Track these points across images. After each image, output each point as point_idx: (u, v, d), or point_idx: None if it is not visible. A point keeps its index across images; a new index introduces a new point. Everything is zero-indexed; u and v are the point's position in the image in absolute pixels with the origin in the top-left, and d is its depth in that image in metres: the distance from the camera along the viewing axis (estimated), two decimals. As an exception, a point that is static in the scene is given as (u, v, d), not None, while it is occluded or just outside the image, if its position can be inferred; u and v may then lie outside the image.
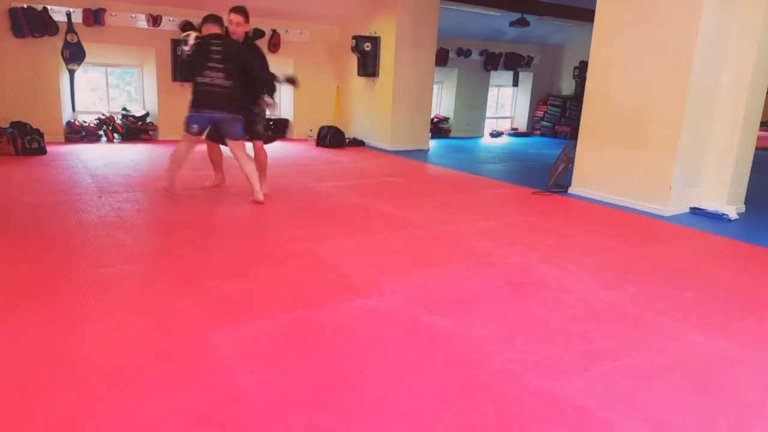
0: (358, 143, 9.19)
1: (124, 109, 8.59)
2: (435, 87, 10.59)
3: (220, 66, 4.39)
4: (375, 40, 8.71)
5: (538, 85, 12.48)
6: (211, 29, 4.50)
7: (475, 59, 11.32)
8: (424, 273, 3.16)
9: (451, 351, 2.25)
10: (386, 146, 8.82)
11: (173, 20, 8.30)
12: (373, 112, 9.12)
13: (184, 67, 8.37)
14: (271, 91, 4.80)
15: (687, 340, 2.45)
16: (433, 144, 9.61)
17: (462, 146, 9.91)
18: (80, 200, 4.54)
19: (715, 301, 2.94)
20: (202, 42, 4.41)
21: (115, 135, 8.27)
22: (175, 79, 8.50)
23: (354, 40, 8.73)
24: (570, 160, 5.81)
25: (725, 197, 5.04)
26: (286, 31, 9.21)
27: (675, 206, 4.99)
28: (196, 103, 4.50)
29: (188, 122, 4.54)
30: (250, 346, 2.23)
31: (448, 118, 11.48)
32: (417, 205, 4.94)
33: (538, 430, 1.75)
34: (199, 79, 4.42)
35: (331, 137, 8.75)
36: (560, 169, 5.86)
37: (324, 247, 3.55)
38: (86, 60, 7.84)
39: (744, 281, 3.31)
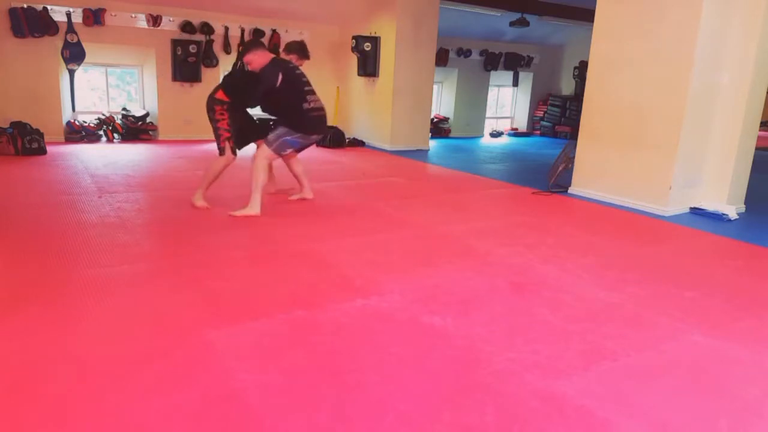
0: (358, 143, 9.18)
1: (124, 109, 8.60)
2: (435, 87, 10.60)
3: (312, 89, 4.41)
4: (375, 40, 8.71)
5: (538, 85, 12.48)
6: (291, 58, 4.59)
7: (475, 59, 11.32)
8: (424, 273, 3.16)
9: (451, 351, 2.25)
10: (386, 146, 8.82)
11: (173, 20, 8.31)
12: (373, 112, 9.12)
13: (184, 67, 8.42)
14: None
15: (687, 340, 2.45)
16: (433, 144, 9.61)
17: (462, 146, 9.91)
18: (80, 200, 4.54)
19: (715, 301, 2.94)
20: (289, 68, 4.32)
21: (115, 135, 8.27)
22: (175, 79, 8.52)
23: (354, 40, 8.72)
24: (570, 160, 5.81)
25: (725, 197, 5.04)
26: (286, 31, 9.21)
27: (675, 206, 4.99)
28: (311, 128, 4.41)
29: (287, 145, 4.38)
30: (250, 346, 2.23)
31: (448, 118, 11.48)
32: (417, 205, 4.94)
33: (538, 430, 1.75)
34: (307, 105, 4.31)
35: (330, 137, 8.74)
36: (560, 169, 5.86)
37: (324, 247, 3.55)
38: (86, 60, 7.84)
39: (744, 281, 3.31)
